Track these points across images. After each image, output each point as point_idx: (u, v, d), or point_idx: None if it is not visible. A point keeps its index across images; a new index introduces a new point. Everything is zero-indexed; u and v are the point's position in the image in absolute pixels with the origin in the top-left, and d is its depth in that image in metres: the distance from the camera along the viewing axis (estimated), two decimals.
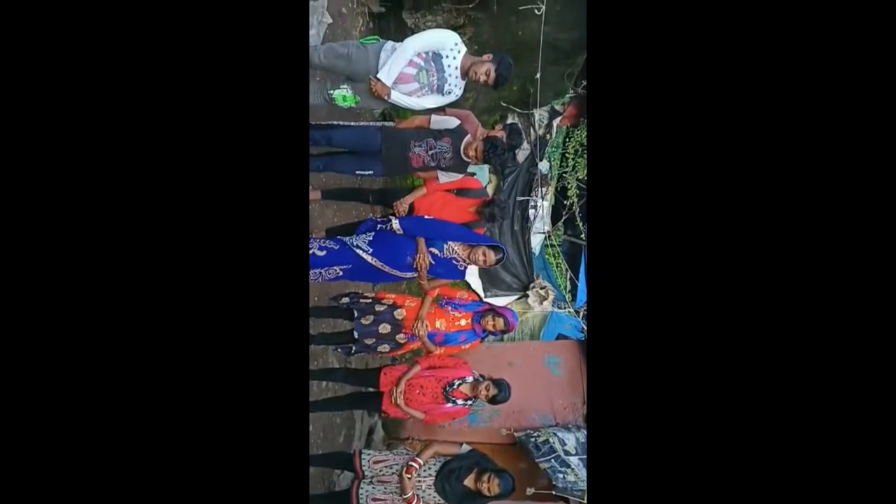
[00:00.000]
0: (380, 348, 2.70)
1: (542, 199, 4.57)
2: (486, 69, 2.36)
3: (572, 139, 4.52)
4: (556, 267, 4.63)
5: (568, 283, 4.56)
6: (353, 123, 2.60)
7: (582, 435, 3.56)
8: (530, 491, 3.28)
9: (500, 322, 2.61)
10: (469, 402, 2.60)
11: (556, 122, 4.51)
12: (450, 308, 2.66)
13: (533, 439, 3.42)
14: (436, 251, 2.50)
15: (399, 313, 2.63)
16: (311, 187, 2.97)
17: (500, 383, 2.54)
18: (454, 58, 2.37)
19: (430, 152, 2.58)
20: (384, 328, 2.63)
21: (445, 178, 2.76)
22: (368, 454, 2.58)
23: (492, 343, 4.13)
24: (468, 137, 2.58)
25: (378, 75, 2.34)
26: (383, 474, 2.46)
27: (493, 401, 2.54)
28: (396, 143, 2.58)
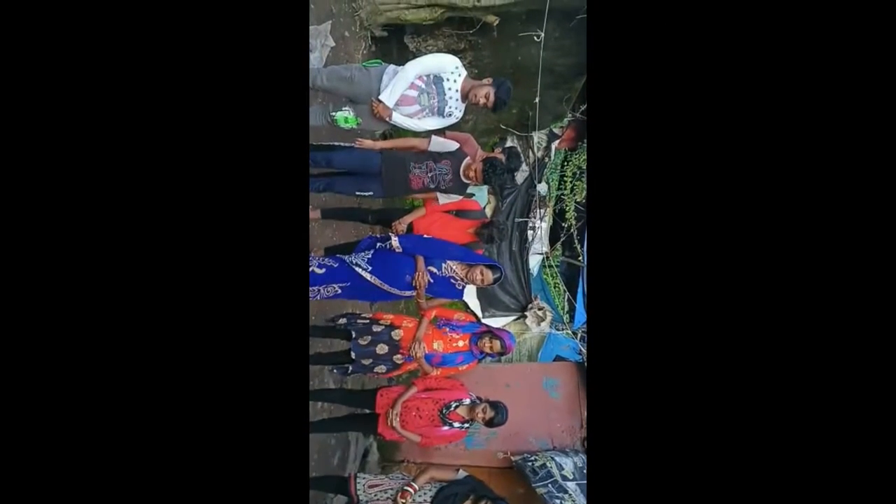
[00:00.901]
0: (376, 369, 2.67)
1: (541, 220, 4.60)
2: (485, 92, 2.40)
3: (570, 162, 4.57)
4: (554, 288, 4.63)
5: (566, 303, 4.55)
6: (354, 144, 2.63)
7: (580, 459, 3.51)
8: None
9: (498, 344, 2.60)
10: (466, 425, 2.57)
11: (554, 145, 4.57)
12: (447, 329, 2.65)
13: (530, 463, 3.37)
14: (434, 270, 2.50)
15: (397, 334, 2.62)
16: (310, 207, 2.98)
17: (497, 406, 2.51)
18: (455, 81, 2.42)
19: (429, 174, 2.61)
20: (381, 349, 2.62)
21: (445, 199, 2.79)
22: (363, 478, 2.53)
23: (489, 364, 4.10)
24: (468, 159, 2.61)
25: (380, 97, 2.38)
26: (378, 499, 2.42)
27: (490, 424, 2.51)
28: (396, 165, 2.61)
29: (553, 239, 4.64)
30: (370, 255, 2.49)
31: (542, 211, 4.63)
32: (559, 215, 4.59)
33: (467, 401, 2.56)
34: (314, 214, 3.05)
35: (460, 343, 2.64)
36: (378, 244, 2.54)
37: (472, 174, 2.57)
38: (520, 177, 4.52)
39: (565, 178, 4.52)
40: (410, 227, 2.88)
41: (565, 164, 4.59)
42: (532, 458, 3.41)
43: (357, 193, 2.70)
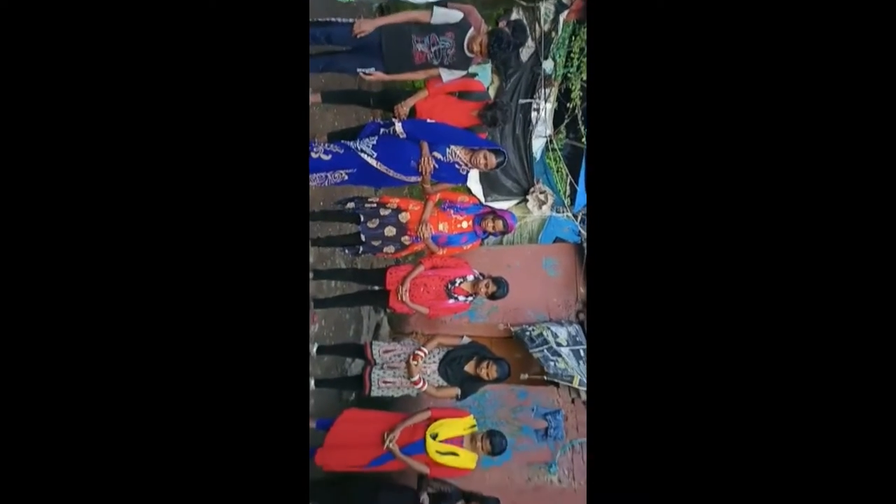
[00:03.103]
0: (385, 249, 2.83)
1: (545, 101, 4.47)
2: None
3: (578, 37, 4.31)
4: (557, 171, 4.65)
5: (567, 187, 4.60)
6: (352, 20, 2.50)
7: (573, 329, 3.84)
8: (524, 376, 3.63)
9: (500, 224, 2.73)
10: (470, 299, 2.79)
11: (562, 17, 4.27)
12: (452, 211, 2.76)
13: (528, 332, 3.70)
14: (438, 155, 2.53)
15: (403, 217, 2.74)
16: (310, 90, 2.91)
17: (499, 281, 2.71)
18: None
19: (432, 48, 2.51)
20: (389, 231, 2.75)
21: (448, 75, 2.69)
22: (378, 344, 2.83)
23: (492, 247, 4.28)
24: (472, 31, 2.50)
25: None
26: (392, 361, 2.72)
27: (492, 297, 2.73)
28: (397, 39, 2.50)
29: (557, 121, 4.55)
30: (375, 142, 2.51)
31: (547, 91, 4.47)
32: (564, 95, 4.46)
33: (471, 277, 2.75)
34: (314, 98, 2.99)
35: (464, 224, 2.77)
36: (381, 130, 2.54)
37: (477, 47, 2.48)
38: (525, 53, 4.30)
39: (572, 55, 4.30)
40: (413, 111, 2.85)
41: (573, 38, 4.34)
42: (530, 328, 3.73)
43: (359, 71, 2.62)
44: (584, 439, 3.40)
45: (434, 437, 2.47)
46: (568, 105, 4.42)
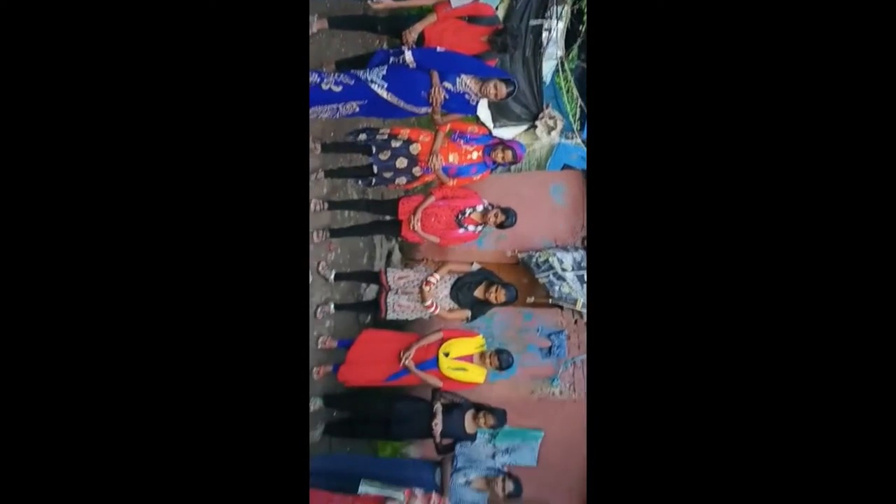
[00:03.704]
0: (397, 181, 2.90)
1: (557, 19, 4.28)
2: None
3: None
4: (567, 92, 4.54)
5: (577, 110, 4.53)
6: None
7: (578, 254, 3.97)
8: (530, 300, 3.82)
9: (509, 154, 2.77)
10: (479, 228, 2.90)
11: None
12: (462, 142, 2.79)
13: (534, 259, 3.84)
14: (449, 85, 2.52)
15: (414, 148, 2.78)
16: (315, 16, 2.84)
17: (507, 210, 2.80)
18: None
19: None
20: (401, 162, 2.80)
21: (458, 1, 2.62)
22: (393, 271, 3.00)
23: (501, 174, 4.32)
24: None
25: None
26: (406, 287, 2.90)
27: (500, 226, 2.83)
28: None
29: (569, 41, 4.38)
30: (385, 72, 2.49)
31: (560, 8, 4.27)
32: (576, 17, 4.26)
33: (480, 207, 2.84)
34: (320, 24, 2.92)
35: (474, 154, 2.81)
36: (391, 59, 2.51)
37: None
38: None
39: None
40: (422, 36, 2.79)
41: None
42: (536, 255, 3.86)
43: None
44: (585, 356, 3.65)
45: (446, 355, 2.69)
46: (580, 28, 4.24)
